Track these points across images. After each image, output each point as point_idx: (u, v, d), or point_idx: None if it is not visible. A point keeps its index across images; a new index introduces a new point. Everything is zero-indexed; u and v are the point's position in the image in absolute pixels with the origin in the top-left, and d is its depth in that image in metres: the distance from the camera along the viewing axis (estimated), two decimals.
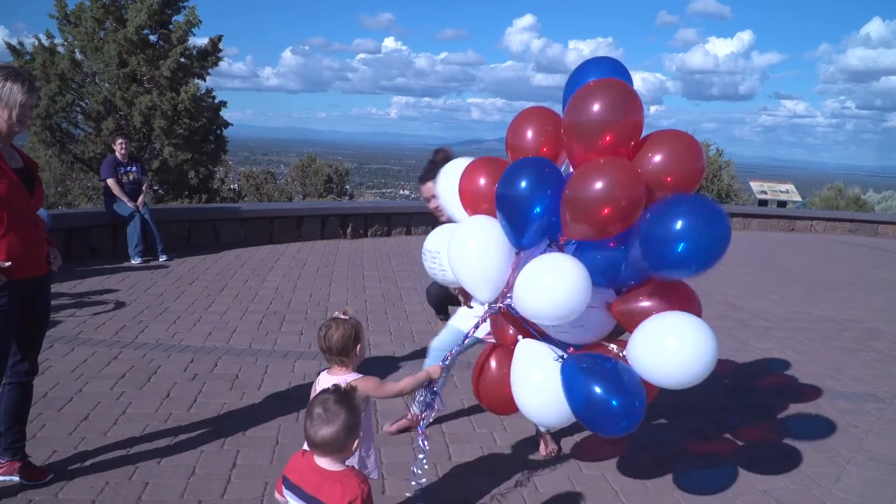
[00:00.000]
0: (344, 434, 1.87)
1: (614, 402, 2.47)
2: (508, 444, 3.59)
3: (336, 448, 1.88)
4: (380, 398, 2.51)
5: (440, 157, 3.21)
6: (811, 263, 9.77)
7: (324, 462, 1.90)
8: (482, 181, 2.82)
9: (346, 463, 1.96)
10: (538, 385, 2.64)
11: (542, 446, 3.49)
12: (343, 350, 2.36)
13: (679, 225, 2.38)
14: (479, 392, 3.02)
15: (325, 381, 2.38)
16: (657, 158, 2.57)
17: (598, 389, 2.47)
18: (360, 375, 2.41)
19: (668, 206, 2.47)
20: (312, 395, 2.24)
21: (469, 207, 2.92)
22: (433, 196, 3.19)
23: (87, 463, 3.15)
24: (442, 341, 3.48)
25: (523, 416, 3.90)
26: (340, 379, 2.37)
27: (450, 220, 3.24)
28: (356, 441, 1.93)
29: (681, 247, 2.37)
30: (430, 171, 3.18)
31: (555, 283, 2.46)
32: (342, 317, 2.41)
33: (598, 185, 2.42)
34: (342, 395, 1.89)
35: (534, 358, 2.70)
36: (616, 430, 2.54)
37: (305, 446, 1.98)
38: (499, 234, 2.71)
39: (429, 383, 2.68)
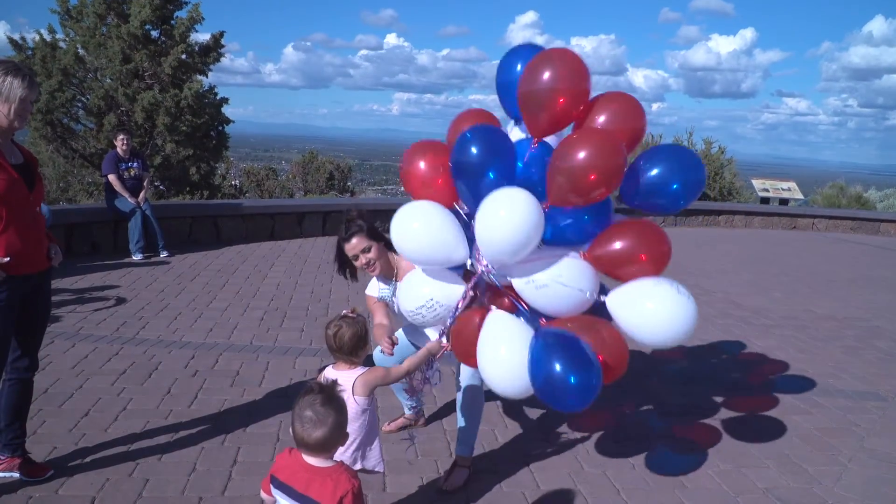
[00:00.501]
0: (336, 433, 1.88)
1: (571, 380, 2.53)
2: (510, 441, 3.59)
3: (329, 447, 1.89)
4: (389, 384, 2.58)
5: (355, 214, 3.17)
6: (813, 261, 9.75)
7: (313, 459, 1.89)
8: (423, 164, 2.88)
9: (335, 458, 1.96)
10: (503, 358, 2.64)
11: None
12: (354, 349, 2.40)
13: (672, 166, 2.73)
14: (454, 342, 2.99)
15: (330, 377, 2.38)
16: (602, 119, 2.73)
17: (556, 367, 2.53)
18: (366, 369, 2.43)
19: (662, 151, 2.82)
20: None
21: (415, 191, 2.94)
22: (362, 252, 3.12)
23: (88, 459, 3.15)
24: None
25: (524, 409, 3.91)
26: (345, 375, 2.37)
27: (382, 275, 3.21)
28: (346, 438, 1.95)
29: (674, 185, 2.71)
30: (351, 228, 3.12)
31: (508, 213, 2.51)
32: (351, 315, 2.42)
33: (585, 153, 2.51)
34: (328, 396, 1.89)
35: (502, 332, 2.70)
36: (570, 406, 2.64)
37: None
38: (433, 206, 2.77)
39: (430, 358, 2.74)
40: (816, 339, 5.79)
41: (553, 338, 2.62)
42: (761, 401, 4.36)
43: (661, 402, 4.24)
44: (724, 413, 4.13)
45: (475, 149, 2.65)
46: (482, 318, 2.78)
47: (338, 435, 1.88)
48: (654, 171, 2.72)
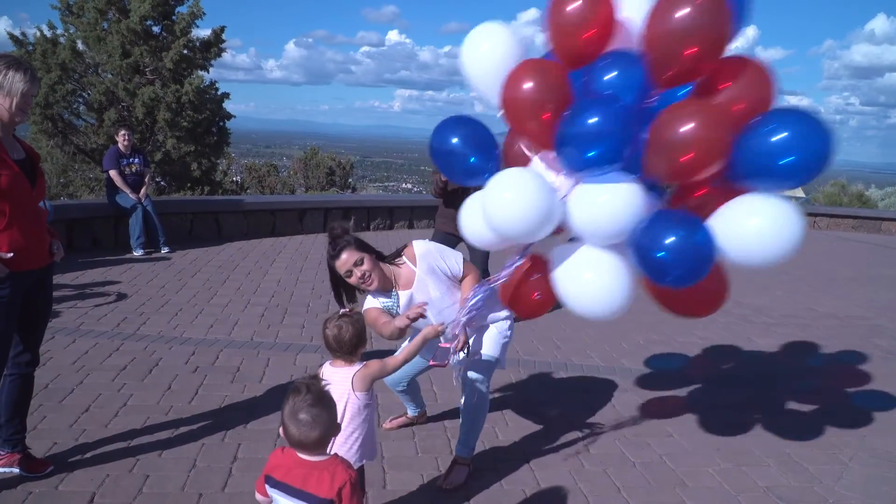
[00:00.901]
0: (331, 429, 1.90)
1: (680, 246, 2.42)
2: (510, 439, 3.58)
3: (325, 444, 1.90)
4: (388, 375, 2.56)
5: (339, 231, 2.98)
6: (814, 260, 9.73)
7: (308, 455, 1.89)
8: (534, 88, 2.54)
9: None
10: (590, 280, 2.64)
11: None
12: (354, 348, 2.39)
13: (788, 135, 2.32)
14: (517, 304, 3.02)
15: (328, 373, 2.38)
16: (723, 85, 2.43)
17: (664, 238, 2.42)
18: (363, 365, 2.42)
19: (774, 116, 2.41)
20: None
21: (516, 122, 2.71)
22: (354, 265, 2.89)
23: (88, 455, 3.15)
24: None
25: (526, 408, 3.90)
26: (343, 372, 2.37)
27: (379, 290, 3.00)
28: (339, 429, 1.97)
29: (787, 158, 2.32)
30: (338, 244, 2.93)
31: (611, 199, 2.46)
32: (350, 314, 2.41)
33: (686, 128, 2.28)
34: (317, 395, 1.88)
35: (580, 259, 2.69)
36: (685, 273, 2.49)
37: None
38: (535, 180, 2.59)
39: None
40: (817, 338, 5.78)
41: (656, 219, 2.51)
42: (762, 399, 4.35)
43: (662, 400, 4.23)
44: (725, 411, 4.12)
45: (598, 119, 2.34)
46: (538, 269, 2.80)
47: (332, 430, 1.90)
48: (763, 141, 2.32)
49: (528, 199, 2.51)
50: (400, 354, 2.57)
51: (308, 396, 1.85)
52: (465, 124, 2.87)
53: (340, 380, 2.35)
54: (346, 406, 2.33)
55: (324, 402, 1.88)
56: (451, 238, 5.19)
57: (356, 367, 2.41)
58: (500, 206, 2.54)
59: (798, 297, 7.23)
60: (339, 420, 1.97)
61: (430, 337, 2.60)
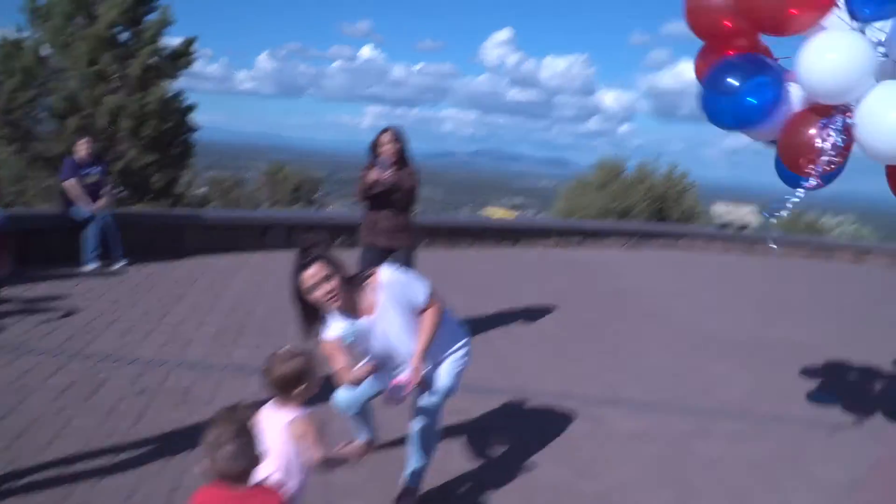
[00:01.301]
0: (256, 459, 1.87)
1: None
2: (462, 468, 3.56)
3: (251, 473, 1.88)
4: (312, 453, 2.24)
5: (312, 241, 2.85)
6: (768, 287, 9.98)
7: (234, 487, 1.86)
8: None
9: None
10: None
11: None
12: (283, 388, 2.25)
13: None
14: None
15: (265, 413, 2.26)
16: None
17: None
18: (306, 415, 2.26)
19: None
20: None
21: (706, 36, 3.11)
22: (323, 279, 2.77)
23: (21, 482, 3.02)
24: (347, 396, 3.32)
25: (478, 435, 3.88)
26: (277, 416, 2.25)
27: (342, 311, 2.90)
28: (264, 455, 1.93)
29: None
30: (307, 256, 2.80)
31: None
32: (290, 353, 2.27)
33: None
34: (241, 425, 1.84)
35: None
36: None
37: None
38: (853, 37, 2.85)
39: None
40: (769, 364, 5.90)
41: None
42: (709, 427, 4.41)
43: (612, 428, 4.26)
44: (671, 440, 4.17)
45: None
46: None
47: (257, 459, 1.88)
48: None
49: (851, 56, 2.77)
50: (330, 453, 2.27)
51: (230, 427, 1.82)
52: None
53: (275, 423, 2.22)
54: (280, 453, 2.19)
55: (247, 432, 1.84)
56: (377, 252, 4.94)
57: (293, 413, 2.25)
58: (824, 67, 2.81)
59: (751, 324, 7.39)
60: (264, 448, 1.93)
61: (356, 458, 2.34)
